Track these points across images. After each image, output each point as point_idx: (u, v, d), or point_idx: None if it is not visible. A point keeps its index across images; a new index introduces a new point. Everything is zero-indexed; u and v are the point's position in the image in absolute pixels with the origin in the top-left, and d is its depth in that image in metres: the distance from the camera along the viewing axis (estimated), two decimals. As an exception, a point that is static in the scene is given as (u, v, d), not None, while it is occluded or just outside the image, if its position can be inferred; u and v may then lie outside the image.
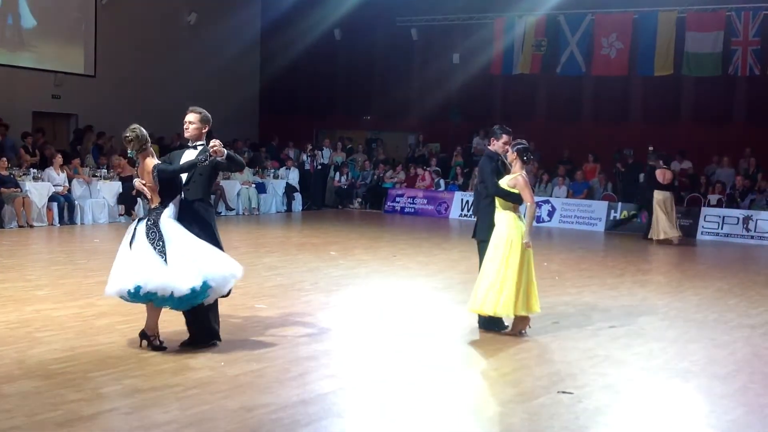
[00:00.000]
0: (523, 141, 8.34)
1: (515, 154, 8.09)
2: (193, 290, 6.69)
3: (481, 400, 6.16)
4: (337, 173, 23.66)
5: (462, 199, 21.44)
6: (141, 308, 8.59)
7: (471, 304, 8.05)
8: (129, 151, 7.03)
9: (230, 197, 20.43)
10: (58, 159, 17.20)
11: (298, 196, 22.36)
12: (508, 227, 7.90)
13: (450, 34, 24.39)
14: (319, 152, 23.58)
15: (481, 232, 8.19)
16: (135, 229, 6.94)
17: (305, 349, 7.24)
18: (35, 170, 16.94)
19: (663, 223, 16.98)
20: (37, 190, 16.25)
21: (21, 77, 20.69)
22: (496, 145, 8.32)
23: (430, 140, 24.92)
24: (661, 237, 16.99)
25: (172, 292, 6.67)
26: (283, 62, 26.09)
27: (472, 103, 24.16)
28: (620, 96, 22.58)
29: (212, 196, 19.61)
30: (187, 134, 7.24)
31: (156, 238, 6.78)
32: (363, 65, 25.79)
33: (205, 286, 6.73)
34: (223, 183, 20.37)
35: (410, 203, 22.39)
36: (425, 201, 22.16)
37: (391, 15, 24.97)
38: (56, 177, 16.87)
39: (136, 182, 7.05)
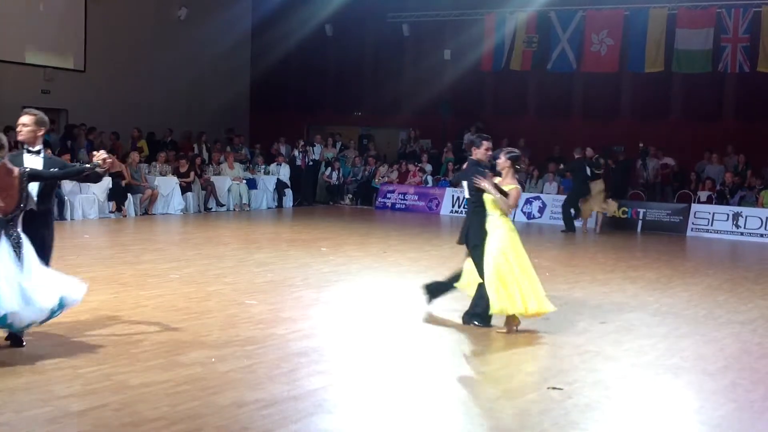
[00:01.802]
0: (515, 149, 8.51)
1: (509, 162, 8.21)
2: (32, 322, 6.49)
3: (471, 397, 6.17)
4: (329, 169, 23.65)
5: (453, 195, 21.44)
6: (132, 305, 8.62)
7: (502, 307, 7.95)
8: None
9: (221, 193, 20.39)
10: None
11: (288, 192, 22.33)
12: (506, 230, 8.03)
13: (441, 30, 24.38)
14: (311, 148, 23.57)
15: (476, 237, 8.16)
16: None
17: (295, 346, 7.23)
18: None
19: (586, 206, 18.26)
20: (27, 185, 16.15)
21: (10, 72, 20.60)
22: (479, 153, 8.39)
23: (421, 136, 24.93)
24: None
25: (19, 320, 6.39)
26: (273, 58, 26.03)
27: (463, 99, 24.16)
28: (611, 92, 22.61)
29: (193, 193, 19.63)
30: (20, 137, 6.98)
31: (19, 254, 6.44)
32: (354, 61, 25.76)
33: (55, 311, 6.53)
34: (213, 179, 20.34)
35: (401, 199, 22.39)
36: (416, 197, 22.17)
37: (382, 11, 24.96)
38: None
39: None
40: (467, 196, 8.45)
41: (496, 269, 7.92)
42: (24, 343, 6.74)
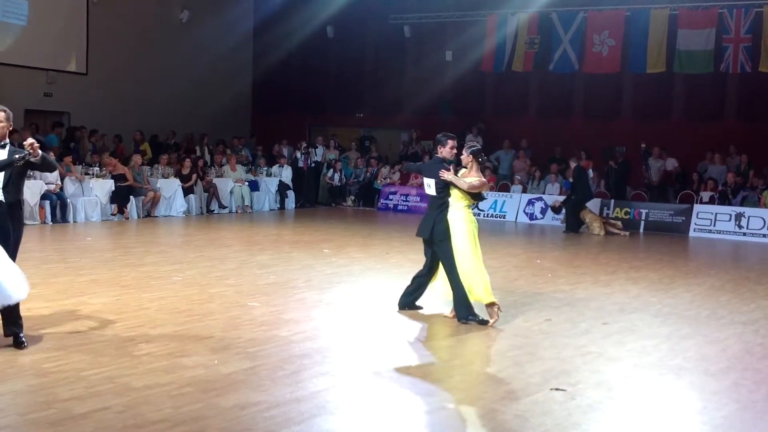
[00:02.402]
0: (476, 144, 8.95)
1: (470, 156, 8.58)
2: None
3: (474, 398, 6.17)
4: (331, 171, 23.65)
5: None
6: (134, 307, 8.63)
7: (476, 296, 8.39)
8: None
9: (223, 195, 20.40)
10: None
11: (291, 193, 22.34)
12: (466, 222, 8.41)
13: (442, 31, 24.39)
14: (313, 150, 23.57)
15: (442, 233, 8.47)
16: None
17: (298, 347, 7.24)
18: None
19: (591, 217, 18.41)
20: (30, 188, 16.14)
21: (13, 75, 20.62)
22: (444, 152, 8.70)
23: (422, 137, 24.93)
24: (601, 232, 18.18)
25: None
26: (275, 59, 26.09)
27: (464, 100, 24.16)
28: (612, 93, 22.60)
29: (195, 195, 19.67)
30: None
31: None
32: (355, 62, 25.77)
33: None
34: (216, 181, 20.36)
35: (403, 201, 22.40)
36: (418, 198, 22.14)
37: (383, 12, 24.97)
38: (48, 175, 16.77)
39: None
40: (433, 193, 8.68)
41: (471, 259, 8.30)
42: (25, 344, 6.76)
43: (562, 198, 19.56)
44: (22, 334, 6.83)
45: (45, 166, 7.40)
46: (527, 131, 22.90)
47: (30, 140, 7.01)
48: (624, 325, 8.64)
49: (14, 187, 7.10)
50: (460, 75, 23.72)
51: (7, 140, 7.20)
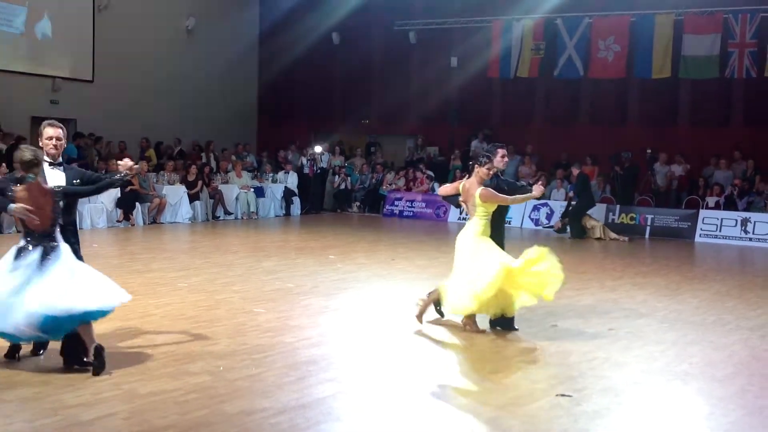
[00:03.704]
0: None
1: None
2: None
3: (480, 404, 6.16)
4: (336, 177, 23.70)
5: (460, 203, 21.38)
6: (140, 313, 8.65)
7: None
8: (29, 176, 6.36)
9: (229, 201, 20.44)
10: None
11: (296, 200, 22.37)
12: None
13: (448, 38, 24.41)
14: (319, 156, 23.61)
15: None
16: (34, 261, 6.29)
17: (304, 353, 7.24)
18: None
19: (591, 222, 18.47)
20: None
21: (19, 82, 20.69)
22: (495, 161, 8.54)
23: (428, 144, 24.96)
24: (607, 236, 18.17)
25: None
26: (281, 66, 26.16)
27: (470, 106, 24.19)
28: (618, 99, 22.60)
29: (201, 202, 19.66)
30: (54, 152, 6.69)
31: (44, 264, 6.31)
32: (361, 69, 25.80)
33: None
34: (221, 187, 20.40)
35: (409, 207, 22.40)
36: (424, 204, 22.17)
37: (389, 19, 25.01)
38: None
39: (19, 207, 6.27)
40: None
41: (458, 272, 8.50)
42: (41, 353, 6.84)
43: (563, 204, 19.53)
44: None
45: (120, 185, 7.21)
46: (533, 137, 22.89)
47: (129, 162, 6.80)
48: (630, 331, 8.63)
49: (69, 210, 6.72)
50: (465, 81, 23.75)
51: (61, 158, 6.82)
